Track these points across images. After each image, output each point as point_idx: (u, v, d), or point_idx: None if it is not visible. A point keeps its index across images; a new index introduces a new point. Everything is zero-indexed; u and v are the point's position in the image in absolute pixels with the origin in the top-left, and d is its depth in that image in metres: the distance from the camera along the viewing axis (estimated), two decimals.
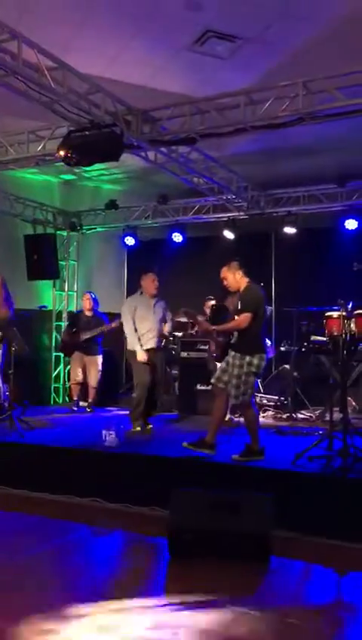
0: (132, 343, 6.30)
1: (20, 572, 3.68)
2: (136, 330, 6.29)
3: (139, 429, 6.25)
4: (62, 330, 9.42)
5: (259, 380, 8.05)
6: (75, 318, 8.74)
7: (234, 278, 5.16)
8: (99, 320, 8.19)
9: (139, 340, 6.25)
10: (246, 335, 4.99)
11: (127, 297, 7.93)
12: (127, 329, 6.35)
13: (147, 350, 6.25)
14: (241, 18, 5.30)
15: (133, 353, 6.30)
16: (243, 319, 4.95)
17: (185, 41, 5.65)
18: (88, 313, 8.32)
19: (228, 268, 5.19)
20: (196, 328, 7.92)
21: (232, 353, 5.02)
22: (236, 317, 5.06)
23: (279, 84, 5.44)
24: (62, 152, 5.57)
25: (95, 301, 8.37)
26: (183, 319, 8.24)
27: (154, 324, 6.32)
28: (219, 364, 5.32)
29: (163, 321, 6.48)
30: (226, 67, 6.03)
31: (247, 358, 4.94)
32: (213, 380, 5.12)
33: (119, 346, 8.51)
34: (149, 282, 6.39)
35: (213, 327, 5.21)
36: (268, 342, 7.05)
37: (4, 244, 9.03)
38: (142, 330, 6.29)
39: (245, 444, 5.05)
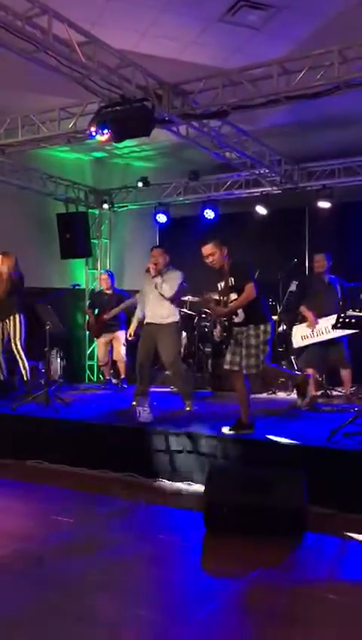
0: (136, 321, 6.47)
1: (58, 541, 3.76)
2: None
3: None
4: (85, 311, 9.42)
5: (293, 357, 7.99)
6: (95, 297, 8.78)
7: (221, 253, 5.09)
8: (119, 297, 8.24)
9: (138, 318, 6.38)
10: (253, 306, 4.98)
11: None
12: (138, 308, 6.50)
13: (147, 324, 6.19)
14: None
15: None
16: (249, 290, 4.92)
17: (217, 12, 5.52)
18: (107, 291, 8.37)
19: (215, 244, 5.08)
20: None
21: (243, 328, 4.99)
22: (234, 295, 4.99)
23: (314, 52, 5.28)
24: (93, 129, 5.54)
25: (112, 278, 8.45)
26: (216, 296, 8.20)
27: (156, 300, 6.15)
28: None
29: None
30: (259, 37, 5.88)
31: (262, 327, 4.98)
32: (226, 366, 5.10)
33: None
34: (150, 258, 6.32)
35: (227, 310, 5.12)
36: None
37: (37, 223, 9.10)
38: (146, 307, 6.27)
39: (235, 416, 5.13)
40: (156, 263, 6.19)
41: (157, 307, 6.15)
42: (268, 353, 5.07)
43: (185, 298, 8.16)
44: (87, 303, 9.90)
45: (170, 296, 6.11)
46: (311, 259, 8.98)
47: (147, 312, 6.25)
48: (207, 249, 5.10)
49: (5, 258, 7.03)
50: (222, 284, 5.13)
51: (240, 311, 5.00)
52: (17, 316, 6.97)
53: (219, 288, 5.22)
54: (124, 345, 8.15)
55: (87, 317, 8.71)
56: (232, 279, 5.05)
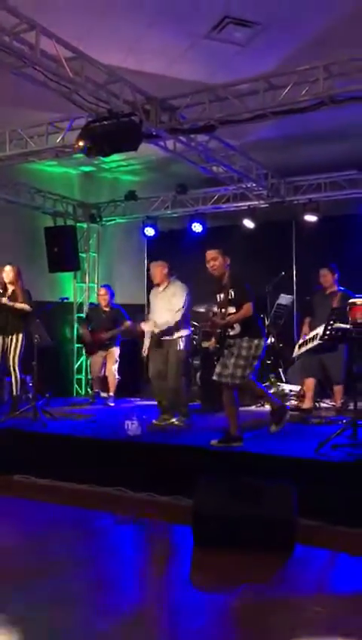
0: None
1: (46, 559, 3.72)
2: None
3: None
4: (80, 326, 9.35)
5: (281, 369, 8.02)
6: (91, 313, 8.73)
7: (223, 262, 5.21)
8: (117, 313, 8.16)
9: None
10: (250, 320, 5.07)
11: (147, 288, 7.91)
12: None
13: (158, 341, 6.17)
14: (259, 3, 5.22)
15: None
16: (248, 309, 5.04)
17: (203, 29, 5.60)
18: (105, 308, 8.31)
19: (219, 251, 5.22)
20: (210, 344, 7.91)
21: (237, 340, 5.03)
22: (232, 308, 5.08)
23: (299, 68, 5.36)
24: (81, 143, 5.57)
25: (111, 294, 8.34)
26: (202, 309, 8.22)
27: (162, 313, 6.19)
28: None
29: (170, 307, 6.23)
30: (245, 53, 5.96)
31: (256, 341, 5.05)
32: (214, 377, 5.11)
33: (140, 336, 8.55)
34: (152, 271, 6.38)
35: (225, 322, 5.15)
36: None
37: (25, 236, 9.09)
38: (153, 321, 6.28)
39: (223, 429, 5.14)
40: (158, 275, 6.27)
41: (162, 320, 6.15)
42: (255, 369, 5.11)
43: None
44: (78, 317, 9.92)
45: (180, 308, 6.13)
46: (299, 272, 9.07)
47: (156, 327, 6.21)
48: (211, 253, 5.24)
49: (14, 268, 6.86)
50: (222, 295, 5.20)
51: (236, 324, 5.07)
52: (21, 334, 6.82)
53: (218, 299, 5.29)
54: (116, 361, 8.12)
55: (82, 332, 8.64)
56: (232, 292, 5.12)
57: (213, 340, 5.38)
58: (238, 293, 5.11)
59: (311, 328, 6.74)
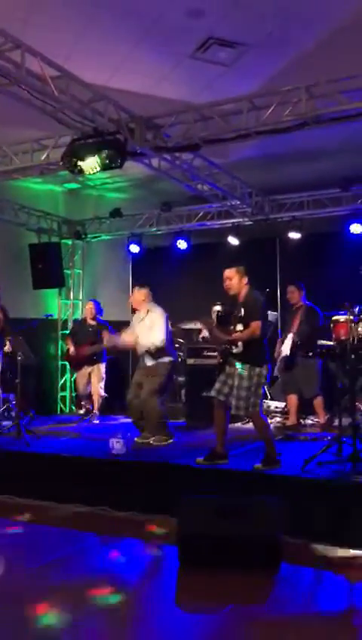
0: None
1: (29, 582, 3.65)
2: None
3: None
4: (65, 342, 9.29)
5: (265, 387, 8.01)
6: (76, 327, 8.67)
7: (240, 281, 5.12)
8: (102, 328, 8.09)
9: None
10: (254, 345, 4.92)
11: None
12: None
13: (142, 363, 6.31)
14: (243, 25, 5.32)
15: None
16: (256, 328, 4.90)
17: (188, 49, 5.69)
18: (91, 322, 8.25)
19: (237, 270, 5.14)
20: (202, 335, 7.88)
21: (237, 364, 4.95)
22: (240, 326, 5.00)
23: (282, 89, 5.44)
24: (65, 161, 5.58)
25: (98, 308, 8.29)
26: (189, 326, 8.23)
27: (145, 338, 6.25)
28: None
29: (146, 331, 6.31)
30: (229, 74, 6.06)
31: (257, 370, 4.89)
32: (213, 393, 5.04)
33: (125, 353, 8.51)
34: (132, 296, 6.54)
35: (229, 338, 5.10)
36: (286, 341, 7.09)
37: (9, 253, 9.05)
38: (137, 344, 6.35)
39: (210, 447, 5.10)
40: (136, 302, 6.39)
41: (145, 345, 6.24)
42: (261, 396, 5.01)
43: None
44: (62, 333, 9.87)
45: (160, 341, 6.17)
46: (283, 288, 9.12)
47: (138, 348, 6.32)
48: (227, 272, 5.15)
49: None
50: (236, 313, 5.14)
51: (240, 343, 4.97)
52: None
53: (213, 315, 5.26)
54: (102, 378, 8.05)
55: (67, 347, 8.57)
56: (243, 310, 5.03)
57: (218, 355, 5.34)
58: (248, 311, 4.98)
59: (281, 344, 7.02)
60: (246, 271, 5.17)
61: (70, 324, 9.87)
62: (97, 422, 7.93)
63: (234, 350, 4.98)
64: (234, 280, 5.11)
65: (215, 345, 7.16)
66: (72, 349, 8.24)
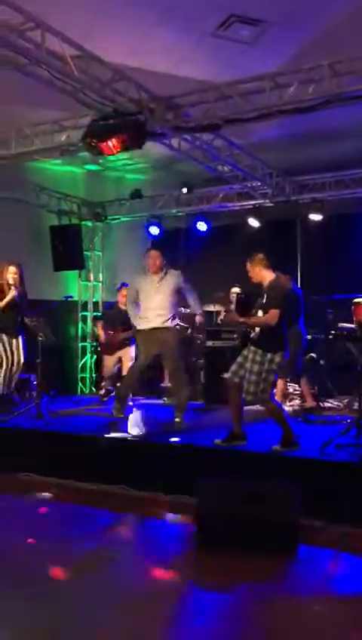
0: (137, 323, 6.28)
1: (50, 556, 3.73)
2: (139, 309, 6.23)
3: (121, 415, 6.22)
4: (95, 326, 9.25)
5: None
6: (109, 313, 8.62)
7: (257, 271, 5.09)
8: None
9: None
10: (270, 332, 4.90)
11: None
12: (130, 314, 6.38)
13: (145, 330, 6.14)
14: (265, 1, 5.21)
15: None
16: (272, 316, 4.86)
17: (209, 27, 5.58)
18: (123, 307, 8.24)
19: (251, 262, 5.11)
20: (221, 316, 7.85)
21: (252, 349, 4.94)
22: (261, 312, 4.97)
23: (305, 67, 5.34)
24: (86, 141, 5.57)
25: None
26: (209, 308, 8.20)
27: (155, 302, 6.12)
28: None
29: (172, 296, 6.20)
30: (250, 52, 5.94)
31: (269, 356, 4.88)
32: (228, 375, 5.04)
33: None
34: (149, 260, 6.26)
35: (242, 320, 5.09)
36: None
37: (30, 235, 9.10)
38: (142, 311, 6.16)
39: (229, 429, 5.08)
40: (157, 263, 6.22)
41: (160, 309, 6.09)
42: (271, 383, 4.99)
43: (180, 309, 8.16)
44: (83, 314, 9.90)
45: (195, 298, 6.21)
46: (304, 271, 9.06)
47: (148, 314, 6.13)
48: (247, 266, 5.15)
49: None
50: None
51: (257, 328, 4.96)
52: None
53: (231, 296, 5.15)
54: (132, 359, 8.06)
55: (98, 332, 8.57)
56: (266, 297, 5.00)
57: (239, 337, 5.33)
58: (269, 298, 4.95)
59: None
60: (266, 257, 5.12)
61: (90, 306, 9.91)
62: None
63: (252, 334, 4.98)
64: (254, 271, 5.10)
65: (230, 325, 7.17)
66: (102, 334, 8.25)
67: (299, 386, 7.23)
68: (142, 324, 6.19)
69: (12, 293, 6.62)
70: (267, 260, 5.10)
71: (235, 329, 6.54)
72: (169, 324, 6.12)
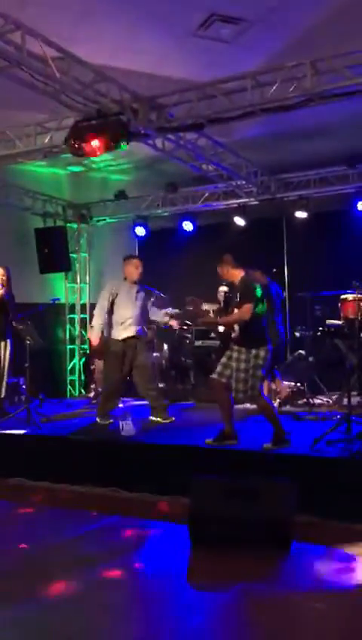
0: (110, 331, 6.10)
1: (44, 560, 3.71)
2: (112, 318, 6.10)
3: (110, 421, 6.15)
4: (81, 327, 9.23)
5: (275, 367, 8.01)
6: None
7: (226, 271, 5.16)
8: None
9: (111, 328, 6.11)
10: (249, 328, 4.94)
11: None
12: (99, 316, 6.12)
13: (126, 338, 6.03)
14: (246, 0, 5.22)
15: (107, 341, 6.14)
16: (245, 310, 4.90)
17: (190, 26, 5.58)
18: None
19: (220, 265, 5.18)
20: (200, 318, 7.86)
21: (236, 348, 4.97)
22: (236, 309, 5.01)
23: (286, 65, 5.36)
24: (68, 143, 5.54)
25: None
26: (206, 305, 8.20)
27: (135, 310, 6.10)
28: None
29: (146, 308, 6.27)
30: (232, 51, 5.95)
31: (253, 352, 4.90)
32: (214, 375, 5.06)
33: None
34: (132, 268, 6.16)
35: (216, 320, 5.14)
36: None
37: (15, 238, 9.04)
38: (121, 319, 6.05)
39: (219, 429, 5.09)
40: (140, 272, 6.19)
41: (138, 317, 6.10)
42: (261, 378, 5.00)
43: (168, 310, 8.15)
44: (71, 316, 9.87)
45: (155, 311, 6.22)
46: (291, 268, 9.09)
47: (127, 322, 6.04)
48: (218, 270, 5.21)
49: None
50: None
51: (236, 327, 4.99)
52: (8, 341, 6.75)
53: (219, 295, 5.15)
54: None
55: (89, 336, 8.50)
56: (238, 295, 5.05)
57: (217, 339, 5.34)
58: (240, 295, 5.01)
59: None
60: (233, 257, 5.16)
61: (78, 308, 9.88)
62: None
63: (233, 335, 5.02)
64: (224, 272, 5.17)
65: (207, 326, 7.18)
66: (94, 340, 8.21)
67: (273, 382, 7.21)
68: (122, 332, 6.04)
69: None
70: (234, 260, 5.15)
71: (212, 330, 6.56)
72: (141, 332, 6.16)
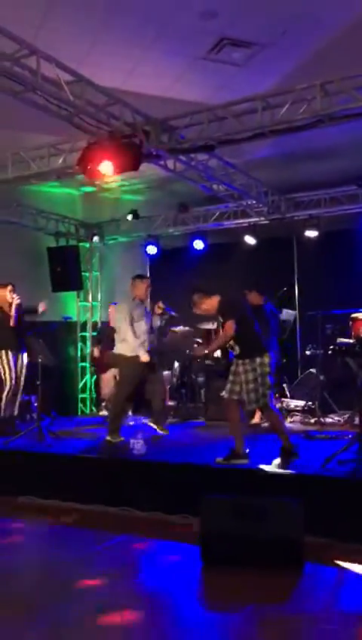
0: (134, 349, 6.15)
1: (53, 581, 3.70)
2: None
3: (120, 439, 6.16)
4: (90, 344, 9.36)
5: (285, 385, 8.01)
6: (103, 332, 8.70)
7: (205, 306, 5.23)
8: None
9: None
10: (245, 340, 5.05)
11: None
12: (129, 334, 6.18)
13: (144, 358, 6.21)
14: (256, 24, 5.32)
15: (128, 359, 6.19)
16: (227, 327, 5.03)
17: (201, 50, 5.69)
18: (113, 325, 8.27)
19: (194, 305, 5.27)
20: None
21: (240, 362, 5.05)
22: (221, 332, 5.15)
23: (296, 87, 5.43)
24: (82, 165, 5.64)
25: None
26: (208, 326, 8.24)
27: (147, 328, 6.33)
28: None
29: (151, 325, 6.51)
30: (242, 73, 6.05)
31: (258, 360, 4.99)
32: (225, 394, 5.11)
33: None
34: (144, 288, 6.38)
35: (206, 350, 5.25)
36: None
37: (28, 257, 9.15)
38: (139, 337, 6.18)
39: (230, 447, 5.09)
40: (147, 294, 6.43)
41: (146, 335, 6.28)
42: (270, 386, 5.03)
43: (178, 328, 8.19)
44: (82, 334, 9.93)
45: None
46: (301, 287, 9.12)
47: (142, 340, 6.19)
48: (195, 311, 5.31)
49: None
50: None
51: (236, 346, 5.06)
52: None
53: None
54: None
55: (93, 351, 8.64)
56: (221, 318, 5.18)
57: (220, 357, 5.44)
58: (221, 315, 5.15)
59: None
60: (200, 288, 5.27)
61: (89, 326, 9.94)
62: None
63: (235, 352, 5.11)
64: (204, 305, 5.25)
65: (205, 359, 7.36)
66: (96, 352, 8.34)
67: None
68: (142, 351, 6.18)
69: (16, 302, 6.80)
70: (202, 289, 5.26)
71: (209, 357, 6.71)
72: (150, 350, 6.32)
